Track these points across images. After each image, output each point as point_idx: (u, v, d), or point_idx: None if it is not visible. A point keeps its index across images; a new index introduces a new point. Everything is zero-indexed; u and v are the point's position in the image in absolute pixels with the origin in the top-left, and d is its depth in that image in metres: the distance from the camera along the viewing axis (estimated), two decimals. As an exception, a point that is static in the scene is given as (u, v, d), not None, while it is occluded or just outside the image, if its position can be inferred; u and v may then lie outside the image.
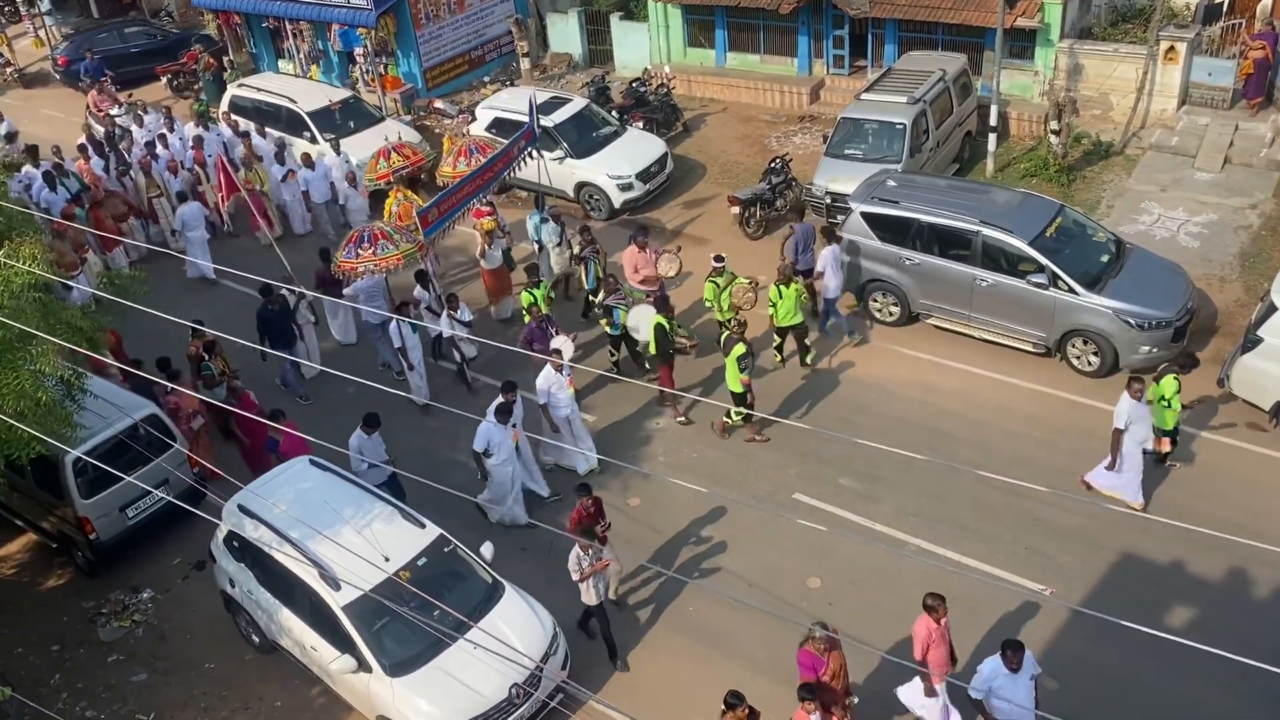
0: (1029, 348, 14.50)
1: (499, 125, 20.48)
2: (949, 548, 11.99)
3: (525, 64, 25.58)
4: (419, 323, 14.90)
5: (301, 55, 26.09)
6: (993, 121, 18.84)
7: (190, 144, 20.49)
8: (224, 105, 22.96)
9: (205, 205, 19.26)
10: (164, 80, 27.21)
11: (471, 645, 9.94)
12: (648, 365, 14.89)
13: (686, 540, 12.53)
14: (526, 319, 14.58)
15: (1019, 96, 20.55)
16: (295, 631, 10.94)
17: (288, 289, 15.08)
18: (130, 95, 24.95)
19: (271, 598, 11.15)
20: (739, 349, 13.19)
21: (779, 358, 15.01)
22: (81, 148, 20.11)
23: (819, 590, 11.76)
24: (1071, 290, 13.91)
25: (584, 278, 15.97)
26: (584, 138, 20.05)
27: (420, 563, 10.76)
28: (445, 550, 11.03)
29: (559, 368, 13.08)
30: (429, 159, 17.88)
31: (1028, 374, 14.33)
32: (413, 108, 24.09)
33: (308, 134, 21.10)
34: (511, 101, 21.08)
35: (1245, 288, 15.36)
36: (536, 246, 17.01)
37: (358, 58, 25.35)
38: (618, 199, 19.37)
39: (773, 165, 18.99)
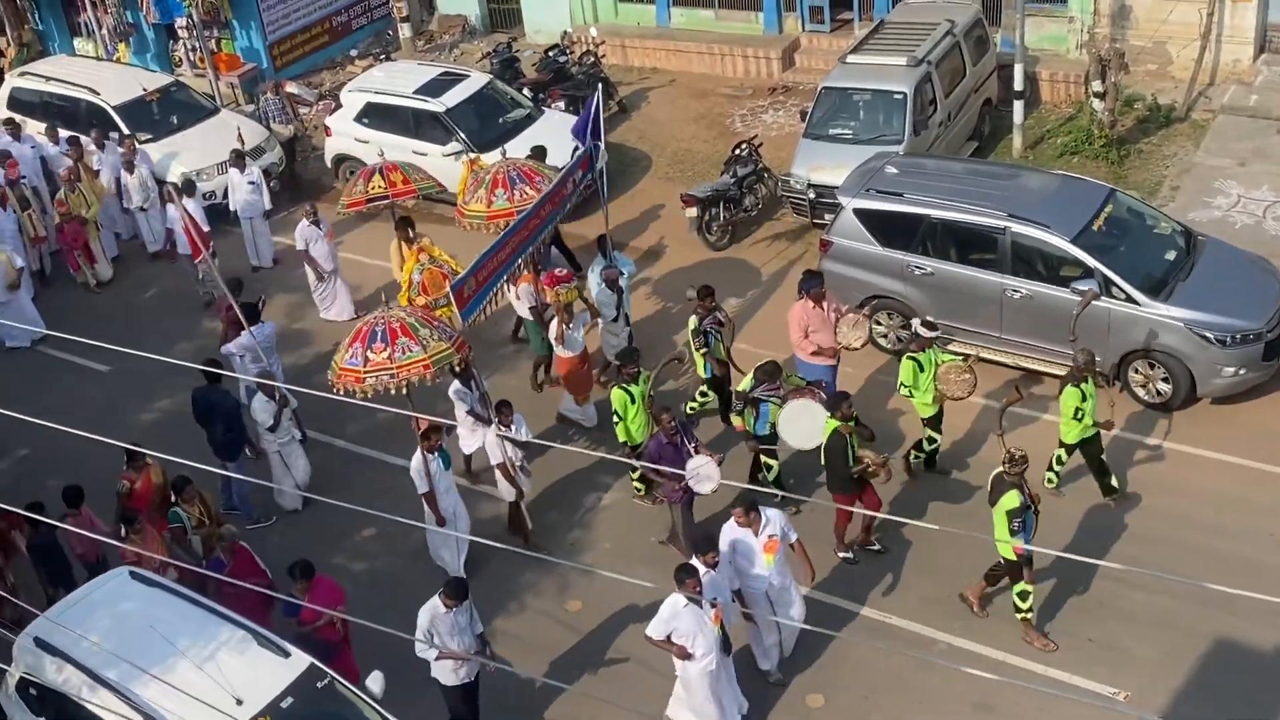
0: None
1: (374, 114, 20.58)
2: (988, 643, 12.11)
3: (405, 31, 25.79)
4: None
5: (105, 31, 26.04)
6: (1018, 85, 19.19)
7: None
8: (0, 101, 22.78)
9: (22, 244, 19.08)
10: (-83, 72, 26.93)
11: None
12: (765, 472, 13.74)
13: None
14: (623, 427, 13.62)
15: (1050, 51, 21.03)
16: (118, 808, 10.72)
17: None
18: None
19: (84, 764, 10.90)
20: (1011, 499, 11.49)
21: (1054, 480, 13.62)
22: None
23: (822, 711, 11.79)
24: (1130, 299, 14.20)
25: (699, 361, 14.65)
26: (487, 125, 20.22)
27: (285, 704, 10.64)
28: (319, 685, 10.92)
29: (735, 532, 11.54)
30: (424, 191, 16.95)
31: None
32: (256, 94, 24.09)
33: (116, 134, 20.99)
34: (389, 81, 21.24)
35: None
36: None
37: (180, 32, 25.35)
38: (535, 204, 19.47)
39: (738, 153, 19.22)
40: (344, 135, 21.00)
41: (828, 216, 16.90)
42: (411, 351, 12.73)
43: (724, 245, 18.63)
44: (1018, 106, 19.35)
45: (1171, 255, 14.82)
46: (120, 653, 10.83)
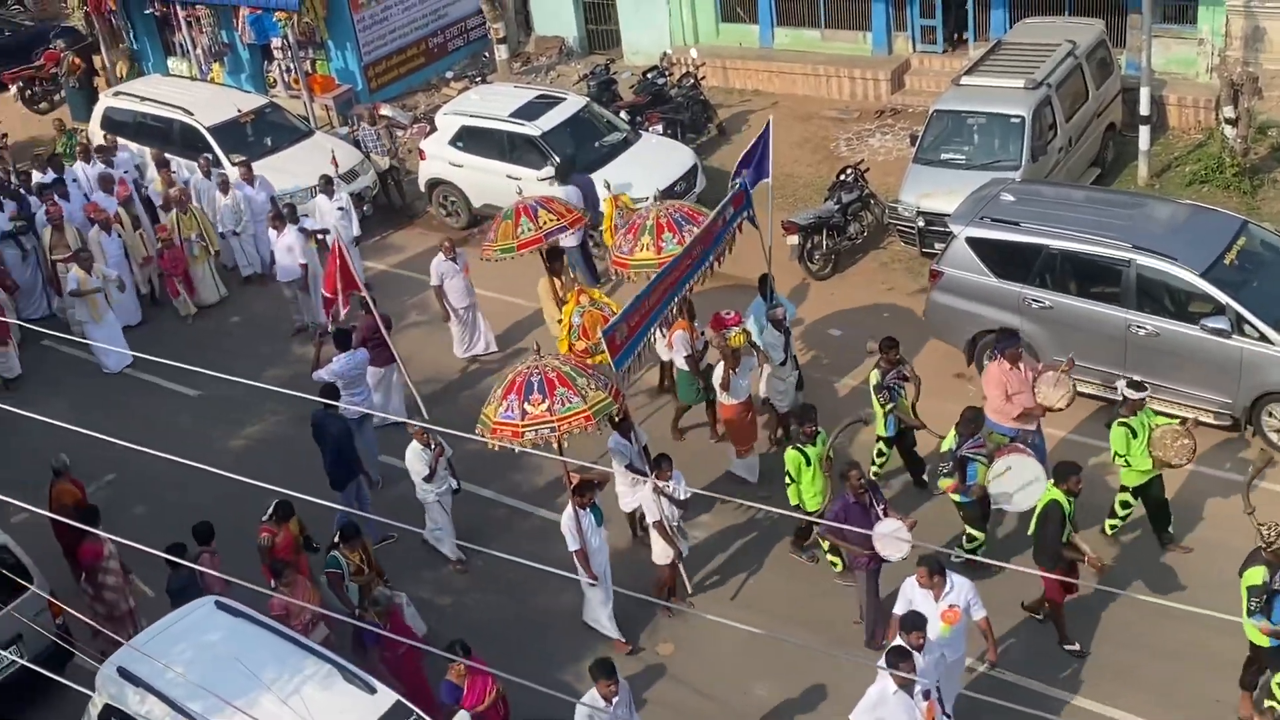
0: (1209, 419, 14.41)
1: (469, 137, 20.81)
2: (1115, 704, 11.83)
3: (501, 53, 26.07)
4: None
5: (199, 51, 26.68)
6: (1144, 109, 18.96)
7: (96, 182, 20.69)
8: (95, 121, 23.42)
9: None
10: (13, 89, 27.84)
11: None
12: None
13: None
14: (795, 489, 13.11)
15: (1179, 74, 20.71)
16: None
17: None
18: (4, 137, 24.97)
19: (165, 798, 11.03)
20: (1257, 573, 10.79)
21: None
22: None
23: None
24: (1264, 338, 13.87)
25: (881, 418, 14.18)
26: (583, 149, 20.33)
27: (371, 742, 10.67)
28: (405, 724, 10.96)
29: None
30: (589, 217, 16.96)
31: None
32: (350, 116, 24.49)
33: (208, 155, 21.45)
34: (484, 104, 21.46)
35: None
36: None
37: (275, 52, 25.87)
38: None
39: (842, 178, 19.14)
40: (438, 159, 21.24)
41: (938, 246, 16.79)
42: (571, 402, 12.34)
43: (826, 274, 18.52)
44: (1143, 132, 19.09)
45: (1309, 291, 14.46)
46: (204, 684, 10.94)
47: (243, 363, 17.42)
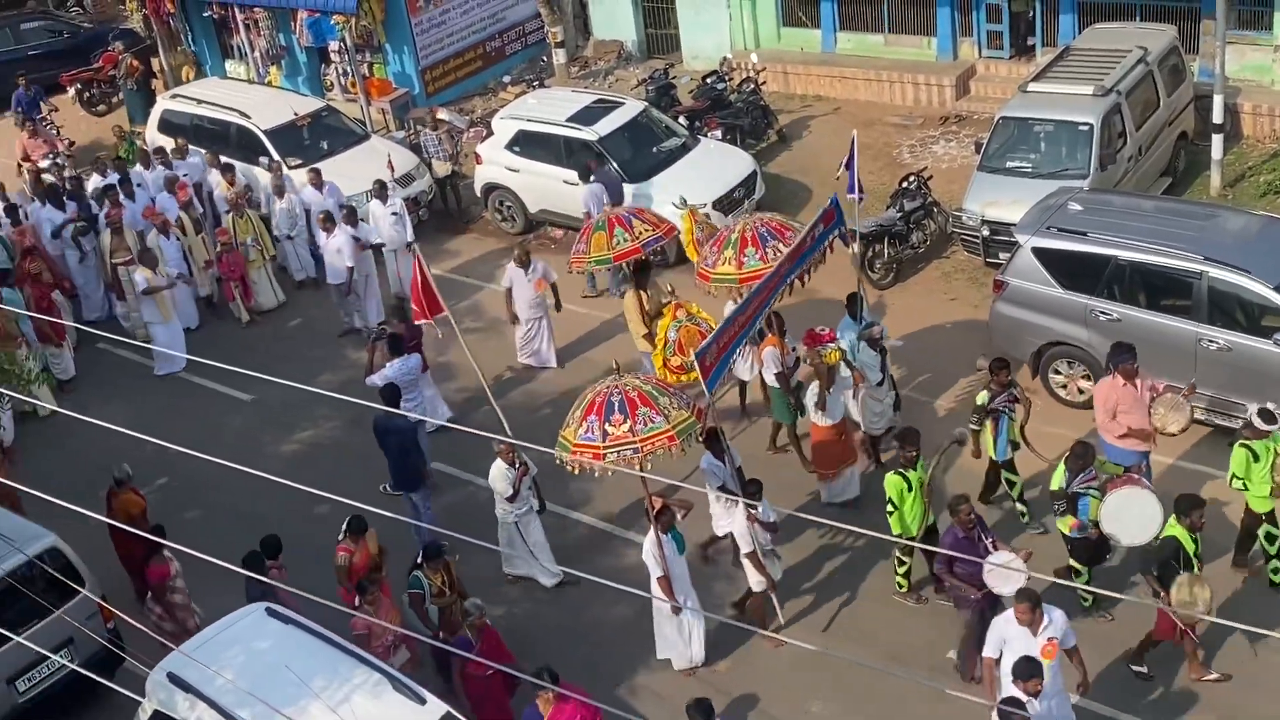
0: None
1: (526, 142, 20.86)
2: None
3: (559, 57, 26.15)
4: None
5: (257, 54, 26.96)
6: (1217, 118, 18.76)
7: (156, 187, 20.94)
8: (152, 124, 23.71)
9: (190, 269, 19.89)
10: (71, 91, 28.24)
11: None
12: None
13: None
14: (897, 517, 12.71)
15: (1254, 82, 20.46)
16: None
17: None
18: (73, 144, 25.45)
19: (213, 805, 11.10)
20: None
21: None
22: (10, 209, 20.54)
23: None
24: (1341, 355, 13.66)
25: (991, 442, 13.79)
26: (641, 154, 20.36)
27: (419, 753, 10.72)
28: (454, 737, 10.99)
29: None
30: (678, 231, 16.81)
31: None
32: (408, 121, 24.66)
33: (265, 159, 21.67)
34: (542, 108, 21.51)
35: None
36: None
37: (332, 56, 26.09)
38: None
39: (905, 186, 19.05)
40: (494, 164, 21.32)
41: (1003, 255, 16.66)
42: (654, 422, 12.09)
43: (888, 284, 18.41)
44: (1216, 141, 18.89)
45: (1389, 307, 14.20)
46: (253, 691, 11.01)
47: (296, 367, 17.56)
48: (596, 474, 12.20)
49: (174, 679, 11.52)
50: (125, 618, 11.88)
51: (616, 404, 12.11)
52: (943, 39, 23.09)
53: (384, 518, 12.40)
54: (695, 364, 12.42)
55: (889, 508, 12.75)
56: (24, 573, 12.90)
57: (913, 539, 12.73)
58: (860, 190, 15.52)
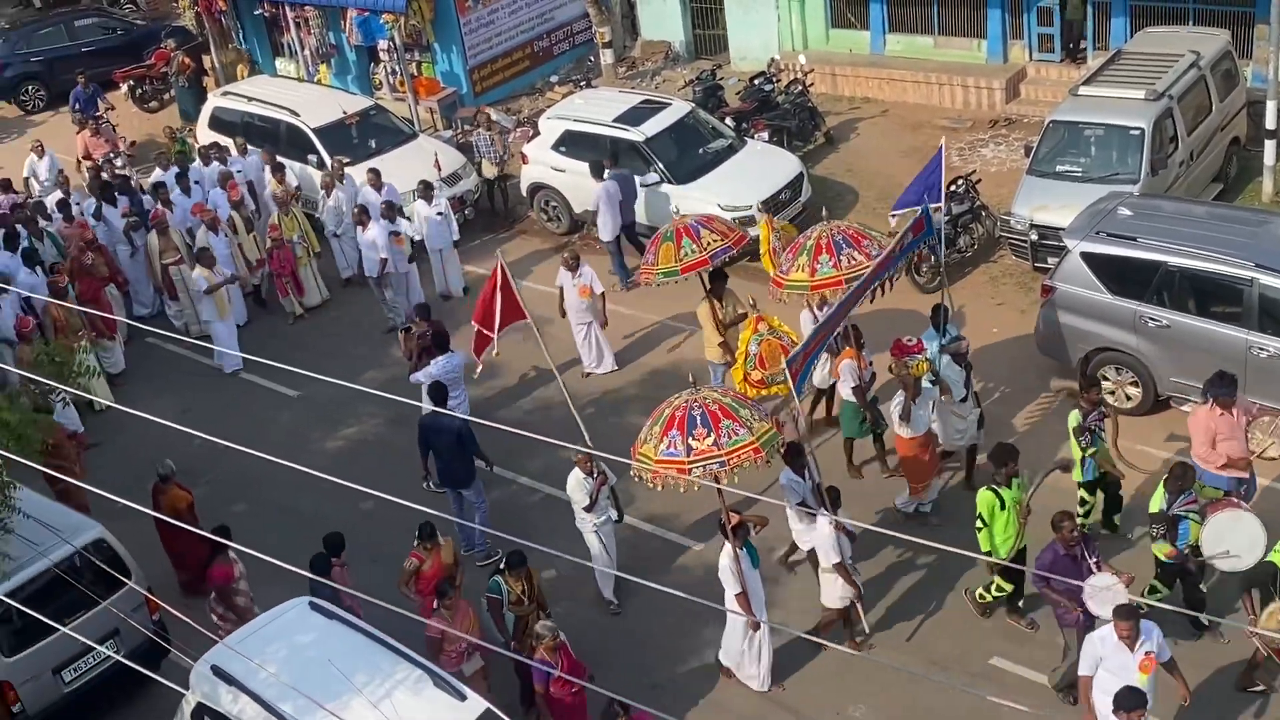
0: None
1: (572, 142, 20.92)
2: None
3: (607, 57, 26.20)
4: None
5: (307, 53, 27.16)
6: (1270, 124, 18.57)
7: (214, 183, 21.10)
8: (203, 121, 23.93)
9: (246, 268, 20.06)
10: (124, 88, 28.55)
11: None
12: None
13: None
14: (986, 534, 12.49)
15: (1309, 86, 20.21)
16: (287, 845, 10.97)
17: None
18: (133, 144, 25.75)
19: (254, 797, 11.21)
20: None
21: None
22: (62, 204, 20.77)
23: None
24: (1396, 364, 13.51)
25: (1079, 463, 13.45)
26: (687, 155, 20.37)
27: (459, 750, 10.79)
28: (495, 734, 11.04)
29: None
30: (751, 238, 16.37)
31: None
32: (455, 120, 24.77)
33: (314, 157, 21.84)
34: (589, 108, 21.57)
35: None
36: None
37: (382, 54, 26.25)
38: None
39: (953, 189, 18.92)
40: (540, 164, 21.39)
41: (1051, 260, 16.59)
42: (738, 435, 11.77)
43: (935, 288, 18.24)
44: (1269, 147, 18.70)
45: None
46: (295, 685, 11.11)
47: (342, 364, 17.69)
48: (682, 488, 11.91)
49: (217, 671, 11.65)
50: (171, 610, 12.02)
51: (698, 418, 11.80)
52: (993, 41, 22.99)
53: (428, 515, 12.59)
54: (784, 373, 12.35)
55: (978, 523, 12.47)
56: (71, 563, 13.08)
57: (1001, 560, 12.45)
58: (942, 199, 15.20)
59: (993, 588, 12.96)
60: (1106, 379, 15.39)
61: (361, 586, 12.52)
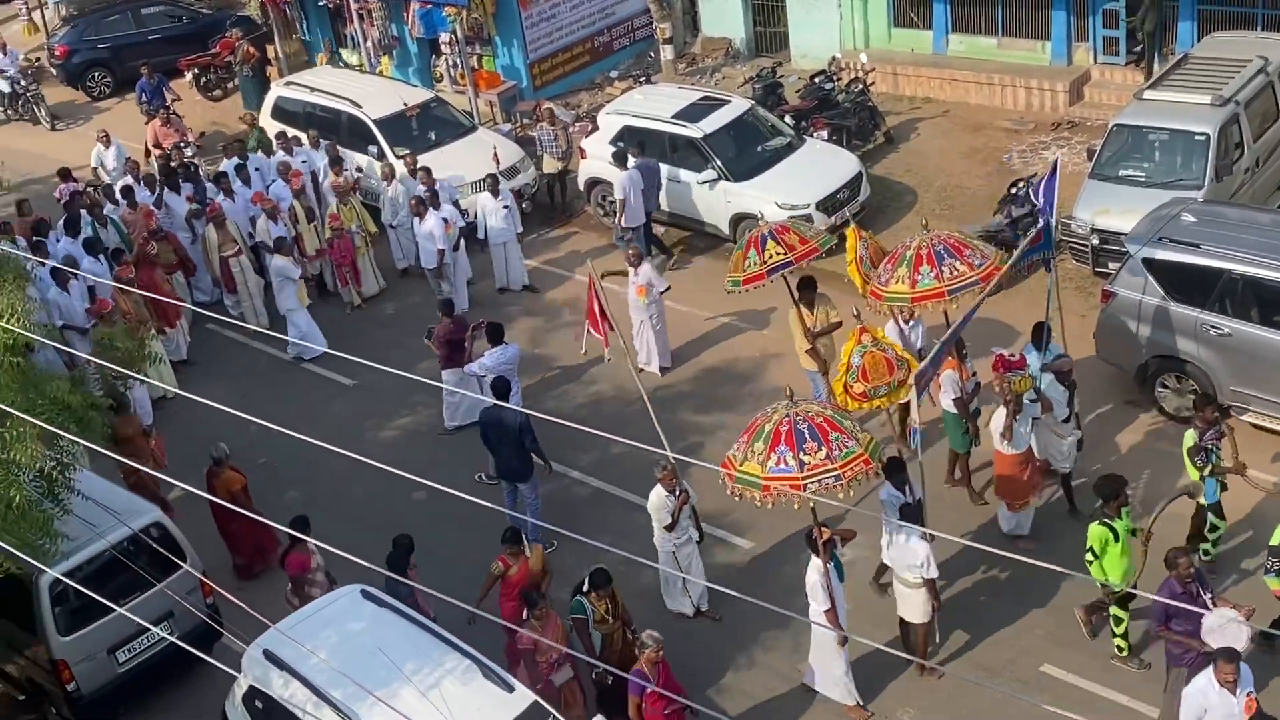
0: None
1: (630, 137, 20.94)
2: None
3: (667, 53, 26.18)
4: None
5: (369, 44, 27.34)
6: (1340, 130, 18.30)
7: (274, 173, 21.25)
8: (265, 111, 24.16)
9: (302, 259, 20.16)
10: (188, 76, 28.84)
11: None
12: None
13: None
14: (1098, 566, 12.13)
15: (1380, 93, 19.90)
16: (334, 830, 11.09)
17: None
18: (201, 136, 25.97)
19: (303, 781, 11.33)
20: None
21: None
22: (126, 191, 21.03)
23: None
24: None
25: (1199, 483, 13.00)
26: (745, 153, 20.33)
27: (506, 740, 10.84)
28: (542, 725, 11.09)
29: None
30: (824, 245, 15.62)
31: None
32: (514, 113, 24.85)
33: (374, 148, 21.98)
34: (648, 104, 21.58)
35: None
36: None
37: (443, 47, 26.38)
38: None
39: (1013, 191, 18.83)
40: (599, 159, 21.37)
41: (1112, 265, 16.46)
42: (848, 447, 11.52)
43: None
44: (1337, 154, 18.40)
45: None
46: (346, 671, 11.22)
47: (397, 354, 17.78)
48: (796, 505, 11.63)
49: (270, 656, 11.79)
50: (224, 593, 12.16)
51: (807, 432, 11.49)
52: (1057, 43, 22.78)
53: (478, 508, 12.62)
54: (887, 386, 12.66)
55: (1088, 556, 12.17)
56: (128, 546, 13.26)
57: (1116, 591, 12.21)
58: (1051, 210, 14.78)
59: (1110, 620, 12.59)
60: (1166, 387, 15.26)
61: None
